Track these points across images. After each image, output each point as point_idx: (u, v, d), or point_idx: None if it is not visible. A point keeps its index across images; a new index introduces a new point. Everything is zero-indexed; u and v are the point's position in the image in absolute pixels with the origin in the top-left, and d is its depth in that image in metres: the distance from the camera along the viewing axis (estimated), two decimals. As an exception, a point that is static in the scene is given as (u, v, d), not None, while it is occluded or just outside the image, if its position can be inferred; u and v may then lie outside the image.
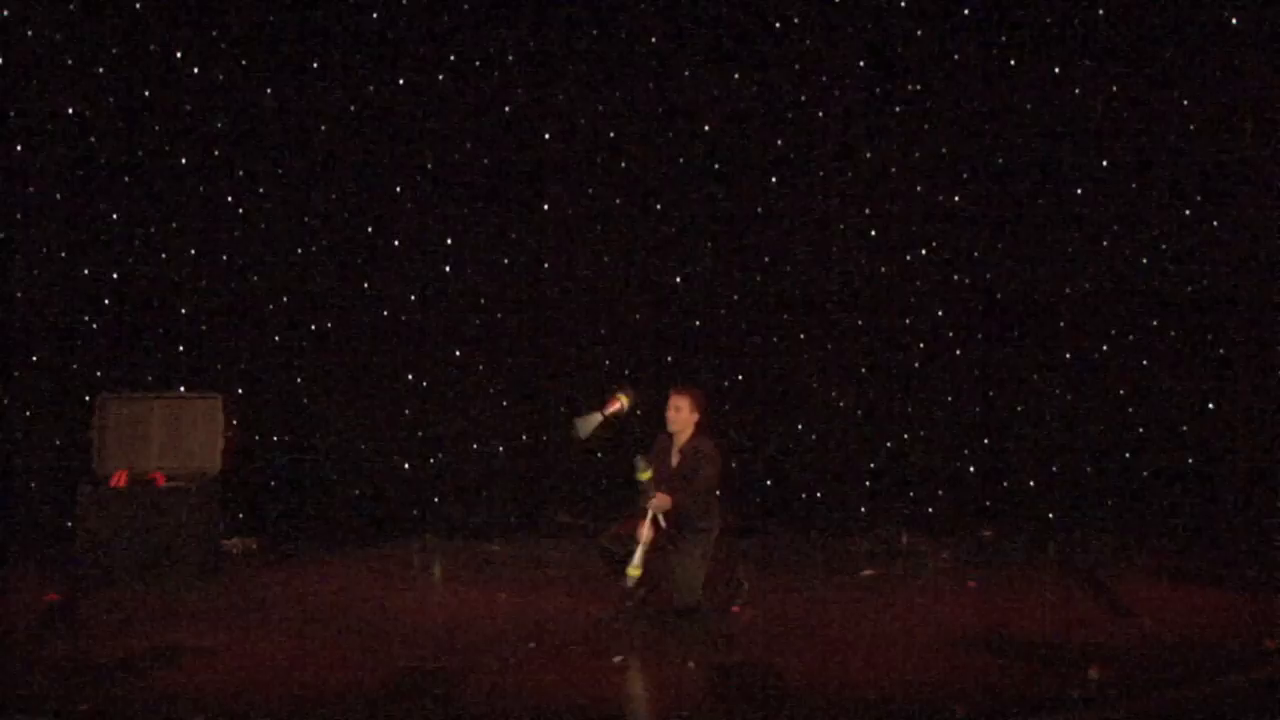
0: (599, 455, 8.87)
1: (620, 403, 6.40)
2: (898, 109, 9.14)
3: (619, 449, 8.31)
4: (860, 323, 9.25)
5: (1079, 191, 9.10)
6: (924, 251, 9.25)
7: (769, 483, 9.25)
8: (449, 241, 9.13)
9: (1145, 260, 9.02)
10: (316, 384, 8.99)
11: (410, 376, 9.10)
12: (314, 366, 8.99)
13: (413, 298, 9.10)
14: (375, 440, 9.03)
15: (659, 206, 9.19)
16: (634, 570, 6.20)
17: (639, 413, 6.55)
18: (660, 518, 6.30)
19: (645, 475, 6.26)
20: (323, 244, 8.99)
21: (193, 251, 8.82)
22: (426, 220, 9.09)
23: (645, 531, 6.22)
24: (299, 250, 8.96)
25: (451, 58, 9.06)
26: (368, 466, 9.02)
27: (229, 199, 8.88)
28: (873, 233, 9.24)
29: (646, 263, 9.18)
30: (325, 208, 8.98)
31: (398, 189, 9.05)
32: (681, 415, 6.56)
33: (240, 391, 8.78)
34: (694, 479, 6.44)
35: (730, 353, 9.23)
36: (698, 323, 9.24)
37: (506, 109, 9.07)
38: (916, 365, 9.27)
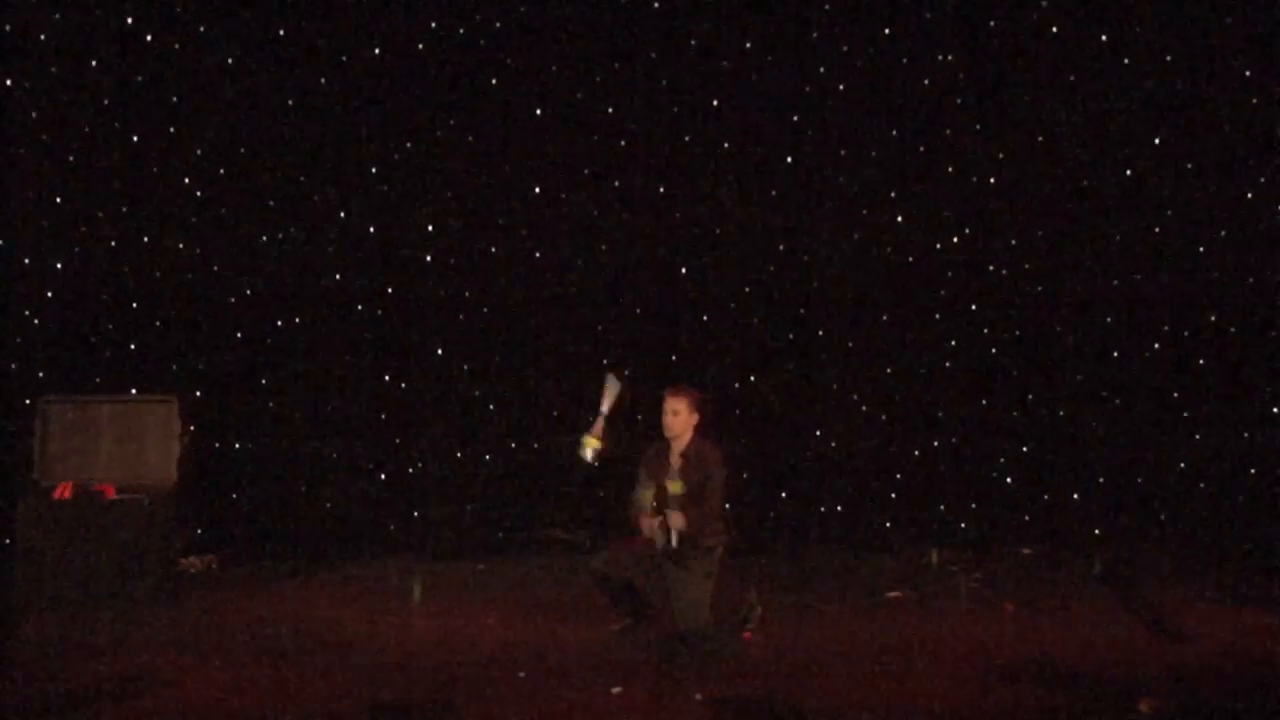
0: (596, 465, 8.87)
1: (613, 390, 6.46)
2: (920, 96, 9.15)
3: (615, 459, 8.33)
4: (885, 318, 9.26)
5: (1127, 173, 9.12)
6: (956, 240, 9.26)
7: (783, 494, 9.25)
8: (430, 229, 9.13)
9: (1201, 253, 9.04)
10: (283, 386, 8.98)
11: (387, 377, 9.09)
12: (280, 366, 8.98)
13: (390, 290, 9.10)
14: (348, 448, 9.02)
15: (661, 190, 9.19)
16: (593, 440, 6.26)
17: (629, 402, 6.59)
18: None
19: (593, 444, 6.36)
20: (289, 231, 8.99)
21: (145, 239, 8.82)
22: (406, 207, 9.08)
23: (608, 401, 6.35)
24: (263, 238, 8.96)
25: (429, 27, 9.06)
26: (340, 477, 9.01)
27: (185, 180, 8.88)
28: (899, 219, 9.25)
29: (649, 255, 9.18)
30: (292, 191, 8.98)
31: (373, 170, 9.05)
32: (680, 419, 6.55)
33: (199, 394, 8.78)
34: (702, 488, 6.43)
35: (739, 352, 9.23)
36: (706, 318, 9.23)
37: (493, 91, 9.08)
38: (947, 365, 9.27)
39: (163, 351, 8.82)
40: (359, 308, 9.05)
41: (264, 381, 8.97)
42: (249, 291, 8.94)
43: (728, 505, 6.62)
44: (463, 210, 9.11)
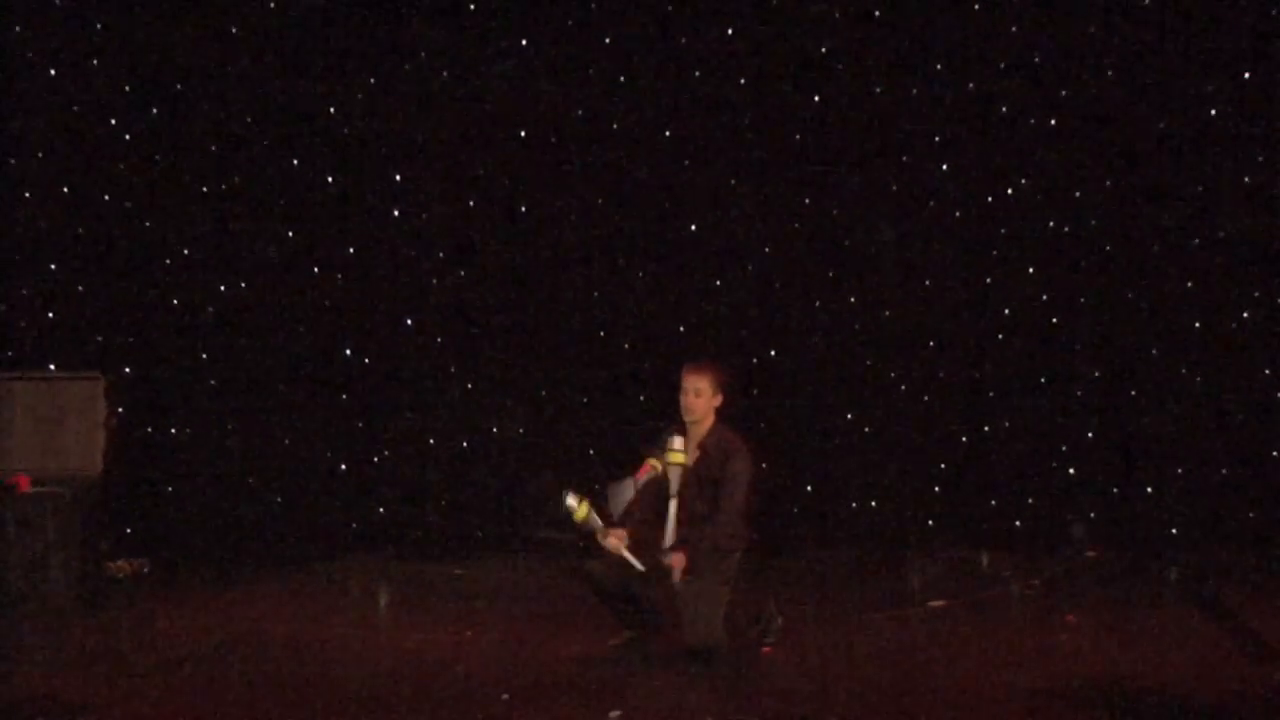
0: (592, 452, 8.88)
1: (653, 468, 6.44)
2: (964, 41, 9.14)
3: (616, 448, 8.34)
4: (927, 283, 9.23)
5: (1207, 116, 9.09)
6: (1012, 191, 9.21)
7: (809, 488, 9.24)
8: (398, 179, 9.10)
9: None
10: (226, 361, 8.95)
11: (348, 351, 9.07)
12: (223, 338, 8.95)
13: (352, 250, 9.07)
14: (303, 433, 9.00)
15: (668, 135, 9.17)
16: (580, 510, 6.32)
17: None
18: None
19: (583, 514, 6.31)
20: (234, 180, 8.94)
21: (65, 190, 8.77)
22: (372, 164, 9.08)
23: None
24: (202, 189, 8.91)
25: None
26: (293, 467, 9.00)
27: (113, 122, 8.84)
28: (944, 166, 9.20)
29: (653, 214, 9.17)
30: (245, 137, 8.94)
31: (333, 110, 9.02)
32: (702, 401, 6.52)
33: (128, 370, 8.74)
34: (719, 487, 6.40)
35: (756, 324, 9.21)
36: (718, 283, 9.20)
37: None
38: (1000, 337, 9.24)
39: (87, 320, 8.76)
40: (315, 270, 9.02)
41: (204, 356, 8.93)
42: (187, 252, 8.88)
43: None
44: (434, 170, 9.08)
